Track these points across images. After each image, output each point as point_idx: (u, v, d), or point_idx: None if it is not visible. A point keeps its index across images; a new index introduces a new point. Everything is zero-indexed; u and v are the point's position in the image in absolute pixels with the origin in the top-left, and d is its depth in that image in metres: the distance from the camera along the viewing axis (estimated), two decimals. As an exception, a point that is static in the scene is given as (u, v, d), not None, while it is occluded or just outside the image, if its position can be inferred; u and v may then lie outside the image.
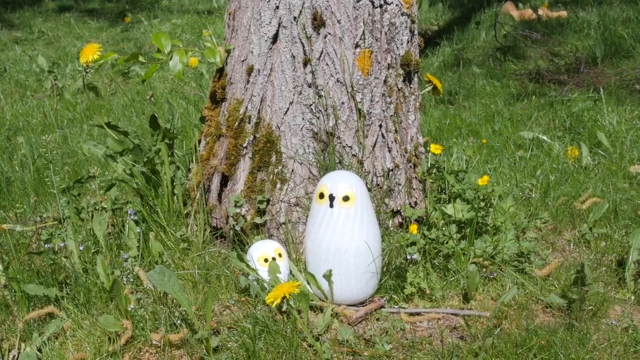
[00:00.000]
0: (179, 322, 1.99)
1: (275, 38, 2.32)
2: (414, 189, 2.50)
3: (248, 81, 2.38)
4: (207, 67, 5.47)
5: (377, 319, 2.06)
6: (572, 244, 2.56)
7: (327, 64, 2.29)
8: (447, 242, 2.28)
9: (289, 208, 2.36)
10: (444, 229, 2.32)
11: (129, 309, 2.04)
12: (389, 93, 2.38)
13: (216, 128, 2.50)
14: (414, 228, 2.22)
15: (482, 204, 2.37)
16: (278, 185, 2.36)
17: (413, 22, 2.43)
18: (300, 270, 2.26)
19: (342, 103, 2.31)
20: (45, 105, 4.84)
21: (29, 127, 4.34)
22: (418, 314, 2.10)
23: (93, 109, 4.58)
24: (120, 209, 2.59)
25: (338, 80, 2.30)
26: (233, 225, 2.40)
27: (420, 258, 2.24)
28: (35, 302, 2.17)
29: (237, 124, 2.41)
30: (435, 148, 2.43)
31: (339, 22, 2.27)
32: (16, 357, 1.95)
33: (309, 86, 2.30)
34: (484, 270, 2.28)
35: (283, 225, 2.37)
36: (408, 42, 2.40)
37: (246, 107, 2.39)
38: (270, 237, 2.39)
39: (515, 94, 4.70)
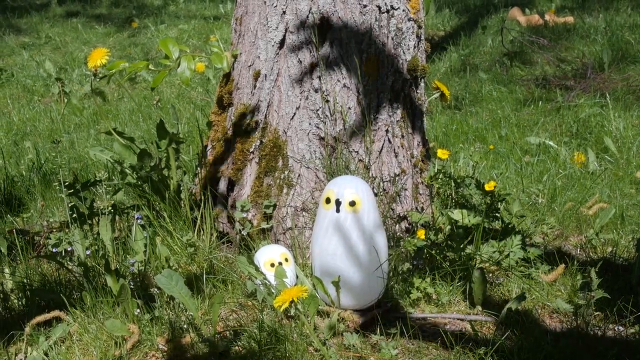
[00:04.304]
0: (185, 326, 2.00)
1: (282, 43, 2.32)
2: (420, 194, 2.50)
3: (255, 86, 2.39)
4: (214, 72, 5.48)
5: (384, 324, 2.05)
6: (578, 249, 2.56)
7: (333, 69, 2.30)
8: (453, 247, 2.28)
9: (295, 213, 2.36)
10: (450, 233, 2.32)
11: (136, 313, 2.05)
12: (396, 98, 2.38)
13: (223, 133, 2.50)
14: (421, 233, 2.21)
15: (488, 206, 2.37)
16: (285, 190, 2.37)
17: (420, 27, 2.43)
18: (306, 275, 2.26)
19: (349, 108, 2.32)
20: (53, 110, 4.85)
21: (36, 132, 4.36)
22: (424, 319, 2.10)
23: (100, 114, 4.60)
24: (127, 214, 2.60)
25: (345, 85, 2.30)
26: (239, 230, 2.40)
27: (426, 263, 2.24)
28: (42, 306, 2.17)
29: (243, 128, 2.41)
30: (442, 153, 2.43)
31: (345, 27, 2.27)
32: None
33: (316, 91, 2.31)
34: (491, 275, 2.27)
35: (290, 230, 2.37)
36: (415, 47, 2.41)
37: (253, 112, 2.40)
38: (277, 241, 2.40)
39: (522, 99, 4.69)
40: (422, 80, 2.49)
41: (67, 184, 2.43)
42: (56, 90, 5.27)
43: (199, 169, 2.60)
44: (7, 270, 2.32)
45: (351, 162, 2.34)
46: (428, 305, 2.17)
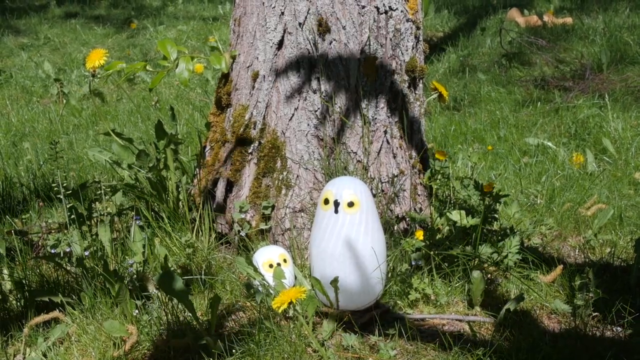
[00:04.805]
0: (184, 327, 1.99)
1: (280, 44, 2.32)
2: (418, 195, 2.50)
3: (253, 87, 2.39)
4: (212, 73, 5.48)
5: (382, 325, 2.06)
6: (577, 250, 2.56)
7: (332, 70, 2.30)
8: (452, 248, 2.28)
9: (294, 214, 2.36)
10: (449, 234, 2.32)
11: (134, 314, 2.05)
12: (394, 99, 2.38)
13: (221, 134, 2.51)
14: (420, 234, 2.22)
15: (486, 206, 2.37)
16: (283, 191, 2.37)
17: (418, 28, 2.43)
18: (305, 276, 2.26)
19: (347, 109, 2.32)
20: (51, 111, 4.85)
21: (34, 133, 4.36)
22: (423, 319, 2.10)
23: (99, 115, 4.60)
24: (125, 215, 2.60)
25: (343, 86, 2.31)
26: (238, 230, 2.40)
27: (425, 264, 2.24)
28: (40, 307, 2.17)
29: (242, 129, 2.41)
30: (439, 154, 2.43)
31: (344, 28, 2.28)
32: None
33: (314, 92, 2.31)
34: (489, 276, 2.27)
35: (288, 231, 2.37)
36: (413, 48, 2.41)
37: (251, 113, 2.40)
38: (275, 242, 2.40)
39: (521, 100, 4.69)
40: (421, 81, 2.50)
41: (65, 185, 2.43)
42: (55, 91, 5.27)
43: (197, 169, 2.60)
44: (5, 271, 2.31)
45: (350, 163, 2.34)
46: (426, 306, 2.17)
